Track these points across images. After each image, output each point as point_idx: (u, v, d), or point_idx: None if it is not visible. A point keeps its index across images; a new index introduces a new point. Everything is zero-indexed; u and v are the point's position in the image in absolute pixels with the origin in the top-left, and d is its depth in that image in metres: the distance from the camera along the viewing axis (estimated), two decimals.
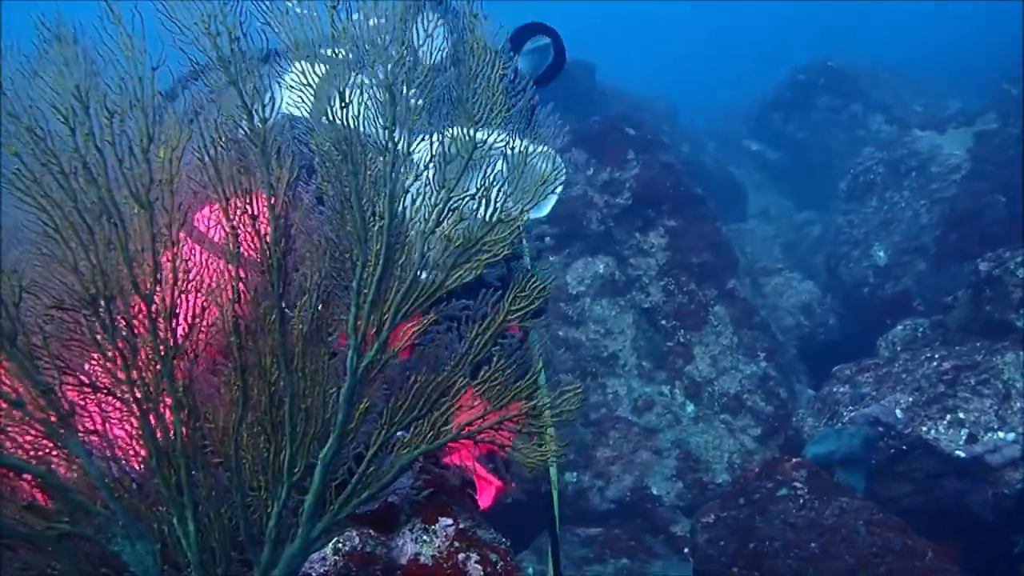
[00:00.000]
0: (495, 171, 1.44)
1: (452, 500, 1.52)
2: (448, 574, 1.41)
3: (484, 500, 1.96)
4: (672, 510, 5.40)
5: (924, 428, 3.77)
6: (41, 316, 1.21)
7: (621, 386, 5.90)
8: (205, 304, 1.29)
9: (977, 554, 3.80)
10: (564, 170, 2.11)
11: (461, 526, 1.47)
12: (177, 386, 1.26)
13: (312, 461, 1.35)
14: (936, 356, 4.10)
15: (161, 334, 1.25)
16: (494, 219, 1.43)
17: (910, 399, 3.87)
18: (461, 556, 1.42)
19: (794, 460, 3.87)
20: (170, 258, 1.25)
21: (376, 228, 1.36)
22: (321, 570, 1.35)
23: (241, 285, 1.29)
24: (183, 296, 1.27)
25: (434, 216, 1.40)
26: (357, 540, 1.37)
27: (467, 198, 1.42)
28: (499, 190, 1.44)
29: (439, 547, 1.43)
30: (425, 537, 1.44)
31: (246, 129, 1.29)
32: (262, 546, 1.34)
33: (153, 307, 1.24)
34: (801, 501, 3.59)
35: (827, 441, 4.02)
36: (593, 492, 5.56)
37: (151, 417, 1.25)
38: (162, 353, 1.24)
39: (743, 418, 5.70)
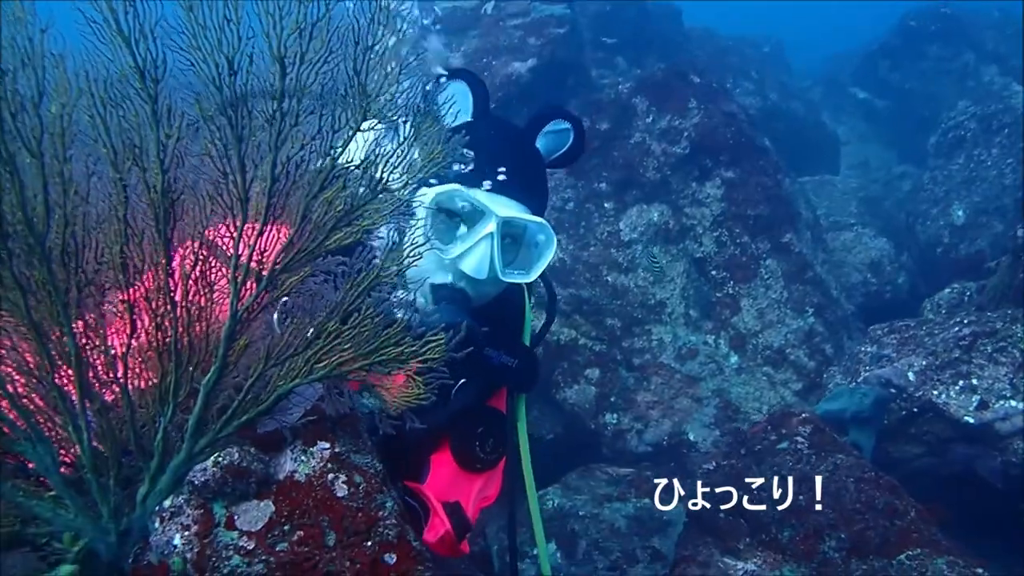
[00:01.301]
0: (384, 144, 1.58)
1: (337, 427, 1.69)
2: (317, 491, 1.59)
3: (429, 535, 2.12)
4: (706, 456, 5.49)
5: (935, 392, 3.75)
6: None
7: (667, 333, 5.97)
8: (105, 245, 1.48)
9: (987, 519, 3.79)
10: (555, 240, 2.25)
11: (337, 450, 1.64)
12: (70, 314, 1.46)
13: (196, 387, 1.55)
14: (965, 321, 4.04)
15: (56, 268, 1.45)
16: (378, 189, 1.56)
17: (924, 363, 3.84)
18: (331, 476, 1.60)
19: (802, 415, 3.91)
20: (62, 202, 1.43)
21: (257, 190, 1.51)
22: (202, 479, 1.55)
23: (129, 229, 1.48)
24: (80, 236, 1.46)
25: (318, 182, 1.54)
26: (236, 456, 1.56)
27: (352, 168, 1.56)
28: (387, 162, 1.58)
29: (314, 467, 1.62)
30: (303, 458, 1.63)
31: (137, 88, 1.46)
32: (151, 456, 1.54)
33: (47, 245, 1.44)
34: (799, 456, 3.65)
35: (840, 399, 4.04)
36: (632, 434, 5.69)
37: (50, 341, 1.46)
38: (56, 284, 1.45)
39: (785, 371, 5.71)
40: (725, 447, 4.00)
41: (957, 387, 3.72)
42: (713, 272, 6.06)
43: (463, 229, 2.22)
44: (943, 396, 3.74)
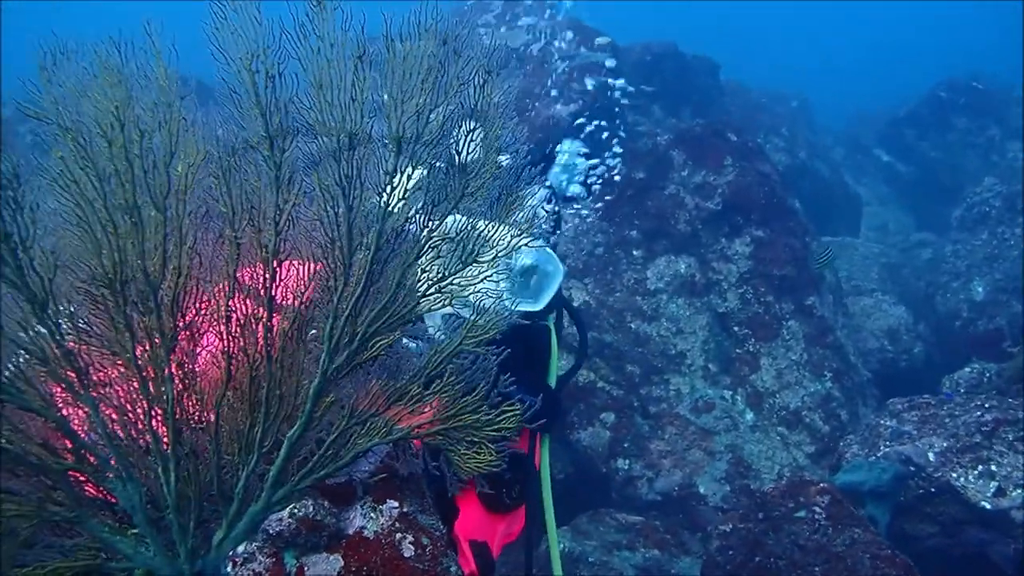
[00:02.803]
0: (476, 222, 1.65)
1: (405, 486, 1.75)
2: (385, 549, 1.64)
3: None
4: (715, 511, 5.52)
5: (954, 475, 3.79)
6: (71, 291, 1.49)
7: (684, 384, 6.02)
8: (209, 297, 1.55)
9: None
10: (561, 271, 2.29)
11: (405, 510, 1.70)
12: (173, 361, 1.52)
13: (281, 439, 1.61)
14: (986, 405, 4.09)
15: (164, 316, 1.51)
16: (468, 261, 1.64)
17: (945, 444, 3.90)
18: (398, 536, 1.66)
19: (821, 485, 3.95)
20: (177, 254, 1.50)
21: (361, 256, 1.58)
22: (277, 528, 1.60)
23: (238, 284, 1.54)
24: (187, 287, 1.53)
25: (415, 252, 1.61)
26: (311, 508, 1.62)
27: (447, 240, 1.64)
28: (478, 237, 1.65)
29: (382, 525, 1.67)
30: (372, 515, 1.68)
31: (265, 155, 1.53)
32: (231, 502, 1.60)
33: (160, 294, 1.50)
34: (816, 525, 3.69)
35: (859, 471, 4.08)
36: (642, 482, 5.73)
37: (149, 385, 1.52)
38: (164, 331, 1.51)
39: (799, 433, 5.75)
40: (742, 509, 4.04)
41: (976, 471, 3.77)
42: (735, 328, 6.12)
43: None
44: (961, 479, 3.79)
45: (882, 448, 4.22)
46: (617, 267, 6.25)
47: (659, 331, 6.12)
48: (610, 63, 7.05)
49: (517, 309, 2.31)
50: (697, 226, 6.22)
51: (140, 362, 1.52)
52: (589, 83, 6.89)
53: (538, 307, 2.38)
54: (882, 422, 4.58)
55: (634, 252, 6.28)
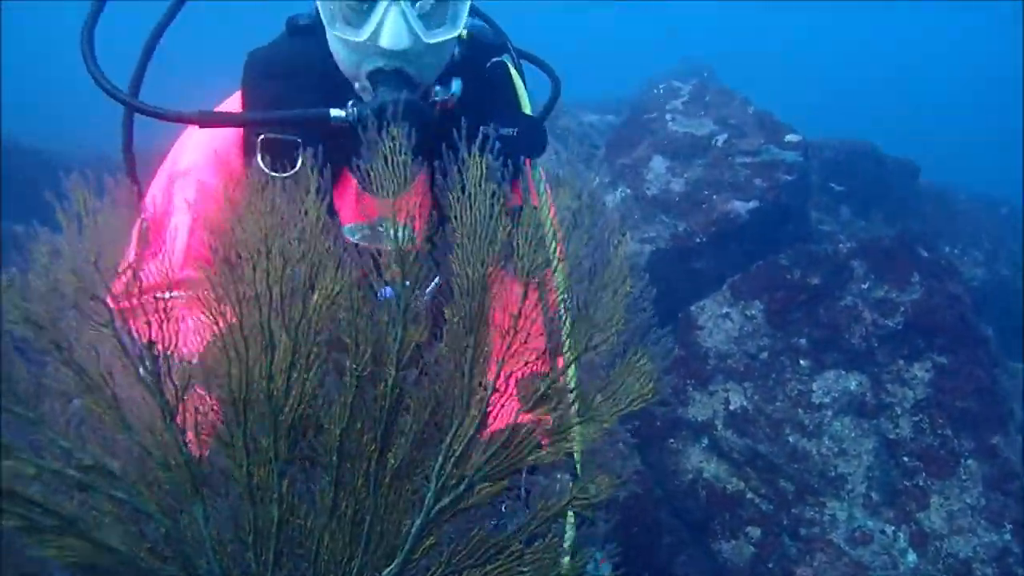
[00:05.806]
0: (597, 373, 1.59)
1: None
2: None
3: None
4: None
5: None
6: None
7: (841, 511, 5.64)
8: (323, 424, 1.56)
9: None
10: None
11: None
12: (283, 486, 1.53)
13: (376, 575, 1.58)
14: None
15: (281, 440, 1.53)
16: (585, 416, 1.58)
17: None
18: None
19: None
20: (301, 380, 1.52)
21: (478, 398, 1.55)
22: None
23: (352, 416, 1.54)
24: (306, 414, 1.54)
25: (531, 399, 1.57)
26: None
27: (567, 391, 1.58)
28: (598, 392, 1.59)
29: None
30: None
31: (396, 292, 1.54)
32: None
33: (281, 419, 1.52)
34: None
35: None
36: None
37: (256, 506, 1.54)
38: (279, 455, 1.53)
39: None
40: None
41: None
42: (905, 458, 5.70)
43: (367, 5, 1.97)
44: None
45: None
46: (781, 375, 5.97)
47: (820, 449, 5.78)
48: (797, 160, 6.81)
49: (437, 40, 2.00)
50: (873, 343, 5.87)
51: (254, 482, 1.54)
52: (773, 180, 6.68)
53: (457, 29, 2.05)
54: None
55: (801, 362, 5.98)
